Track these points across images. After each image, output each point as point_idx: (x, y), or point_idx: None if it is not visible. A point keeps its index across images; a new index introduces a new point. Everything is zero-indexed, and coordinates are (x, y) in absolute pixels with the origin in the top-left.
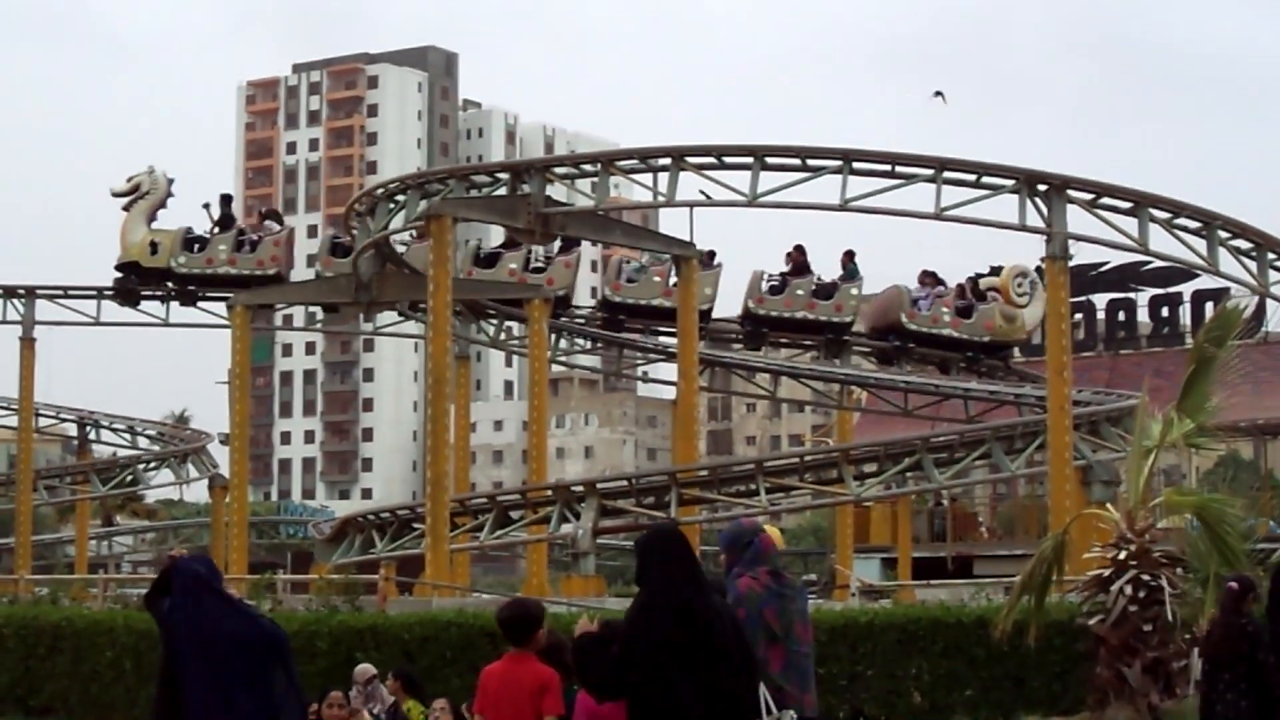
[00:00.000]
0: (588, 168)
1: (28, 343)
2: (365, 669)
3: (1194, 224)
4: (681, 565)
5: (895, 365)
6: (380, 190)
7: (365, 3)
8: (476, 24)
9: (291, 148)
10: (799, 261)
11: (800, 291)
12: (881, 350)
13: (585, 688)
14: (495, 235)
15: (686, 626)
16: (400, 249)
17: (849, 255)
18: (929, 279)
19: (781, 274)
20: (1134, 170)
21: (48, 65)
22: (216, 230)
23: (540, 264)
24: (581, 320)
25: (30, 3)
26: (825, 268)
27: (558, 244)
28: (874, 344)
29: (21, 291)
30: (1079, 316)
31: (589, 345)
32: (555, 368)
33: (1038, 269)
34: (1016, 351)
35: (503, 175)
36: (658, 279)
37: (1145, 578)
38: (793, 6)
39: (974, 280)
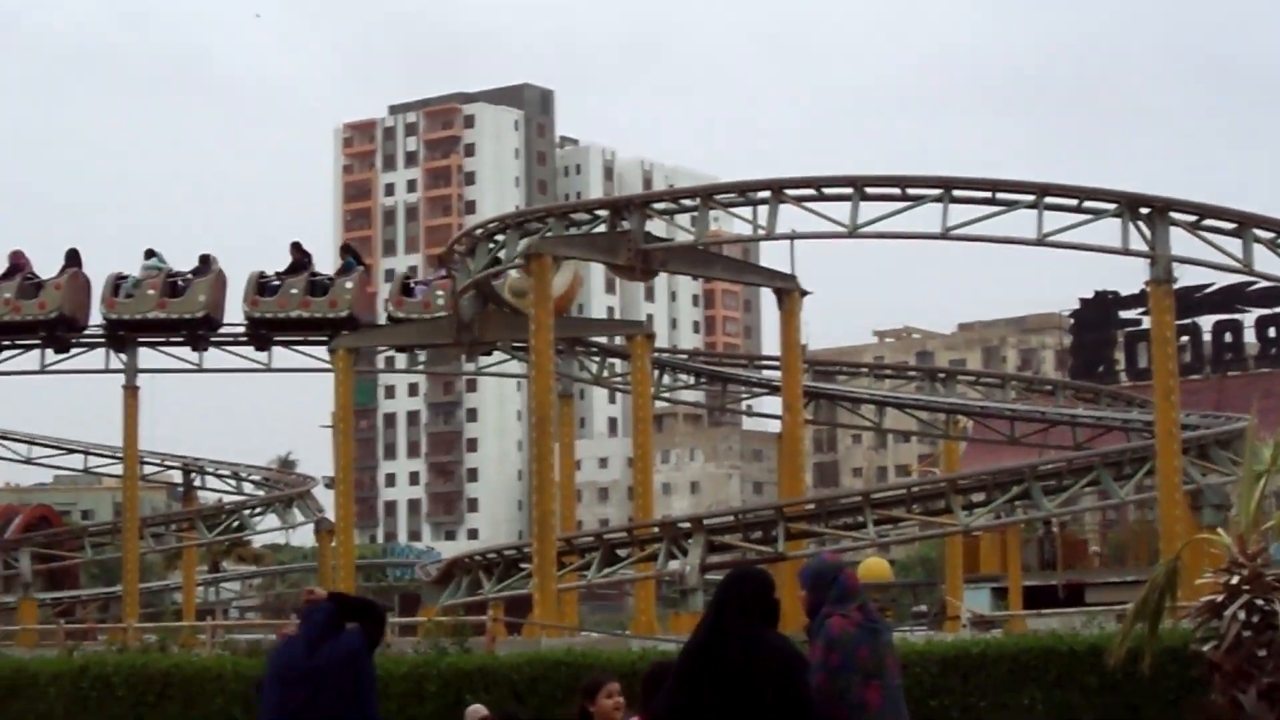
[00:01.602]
0: (687, 202)
1: (131, 390)
2: (476, 709)
3: None
4: (732, 608)
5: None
6: (480, 230)
7: (460, 43)
8: (571, 60)
9: (389, 189)
10: (297, 259)
11: (295, 290)
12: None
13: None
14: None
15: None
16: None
17: (345, 248)
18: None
19: (278, 273)
20: (1237, 193)
21: (170, 114)
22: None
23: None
24: (685, 356)
25: (153, 53)
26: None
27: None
28: None
29: (122, 339)
30: (1185, 339)
31: (693, 380)
32: (659, 403)
33: None
34: (1123, 377)
35: (601, 212)
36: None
37: (1259, 602)
38: (890, 37)
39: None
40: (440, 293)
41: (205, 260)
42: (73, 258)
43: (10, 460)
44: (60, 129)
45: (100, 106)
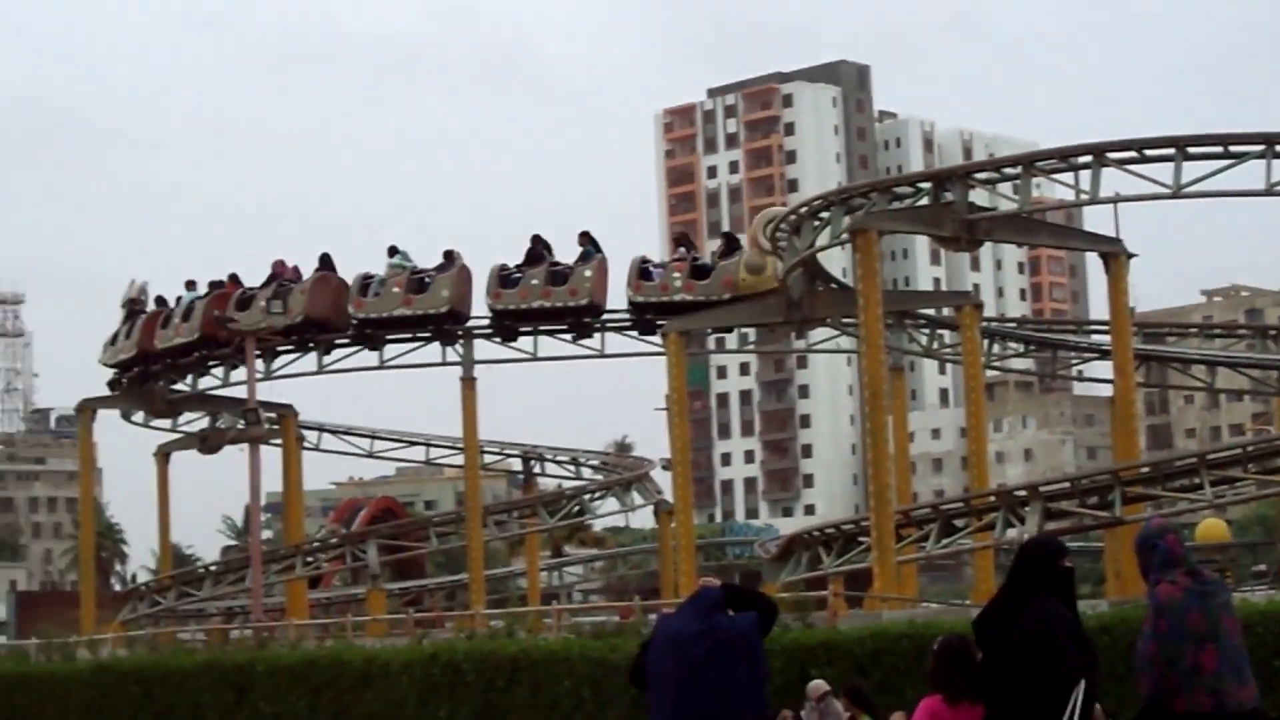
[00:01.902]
0: (1008, 171)
1: (469, 382)
2: (818, 685)
3: None
4: (1020, 577)
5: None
6: (804, 208)
7: (774, 23)
8: (886, 34)
9: (712, 172)
10: (534, 250)
11: (535, 281)
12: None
13: (945, 692)
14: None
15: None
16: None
17: (584, 235)
18: (683, 242)
19: (518, 265)
20: None
21: (492, 107)
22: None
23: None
24: (1013, 324)
25: (475, 49)
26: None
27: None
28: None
29: (460, 332)
30: None
31: (1022, 348)
32: (989, 372)
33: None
34: None
35: (924, 184)
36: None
37: None
38: None
39: (683, 234)
40: (676, 274)
41: (449, 256)
42: (325, 261)
43: (354, 455)
44: (387, 127)
45: (424, 103)
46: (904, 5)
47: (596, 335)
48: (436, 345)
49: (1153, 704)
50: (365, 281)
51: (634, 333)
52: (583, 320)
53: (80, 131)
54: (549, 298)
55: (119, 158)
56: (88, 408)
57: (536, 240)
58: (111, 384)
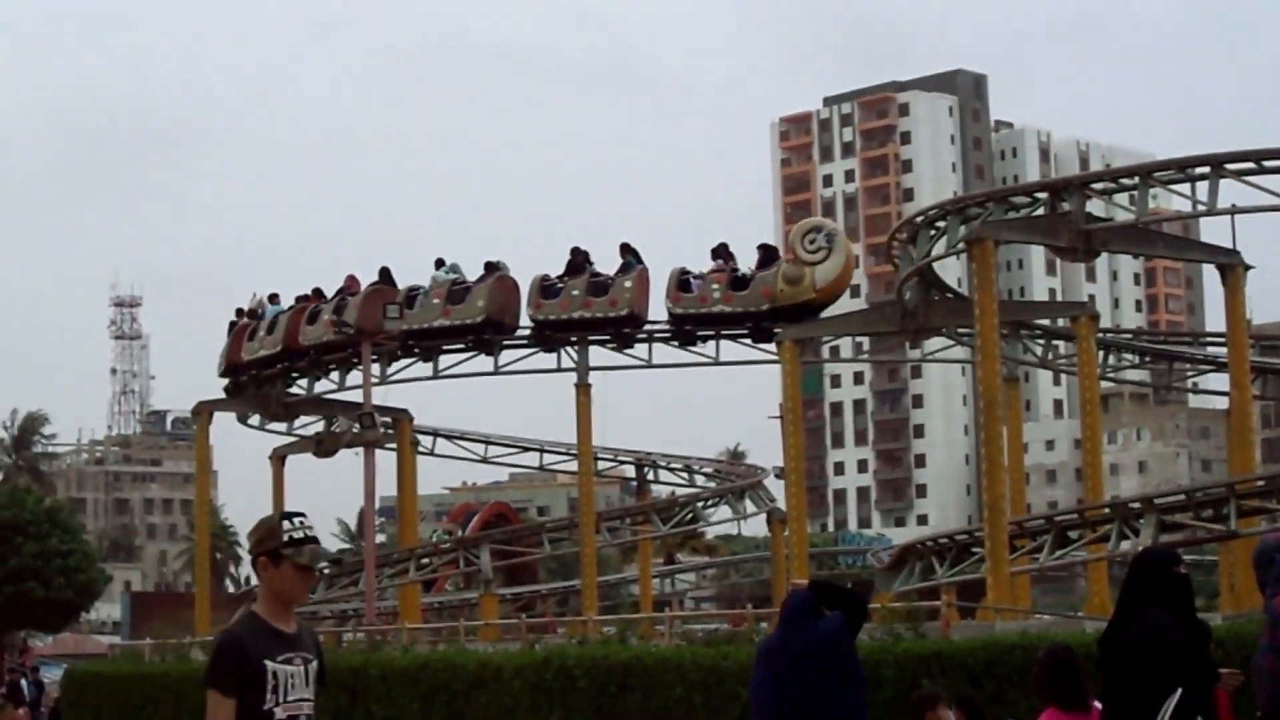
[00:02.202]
0: (1125, 181)
1: (583, 389)
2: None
3: None
4: (1131, 587)
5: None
6: (920, 218)
7: (890, 33)
8: (1002, 44)
9: (827, 180)
10: (575, 261)
11: (576, 291)
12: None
13: (1057, 702)
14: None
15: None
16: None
17: (624, 247)
18: (722, 253)
19: (559, 275)
20: None
21: (610, 113)
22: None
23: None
24: (1129, 335)
25: (593, 55)
26: None
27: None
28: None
29: (574, 339)
30: None
31: (1137, 360)
32: (1104, 383)
33: None
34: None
35: (1040, 195)
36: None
37: None
38: None
39: (722, 246)
40: (715, 286)
41: (490, 267)
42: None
43: (468, 460)
44: (505, 133)
45: (542, 110)
46: (1021, 14)
47: (710, 342)
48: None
49: (1270, 716)
50: (411, 294)
51: (749, 341)
52: (623, 330)
53: (198, 137)
54: (589, 308)
55: (238, 163)
56: (204, 410)
57: (576, 251)
58: (228, 388)
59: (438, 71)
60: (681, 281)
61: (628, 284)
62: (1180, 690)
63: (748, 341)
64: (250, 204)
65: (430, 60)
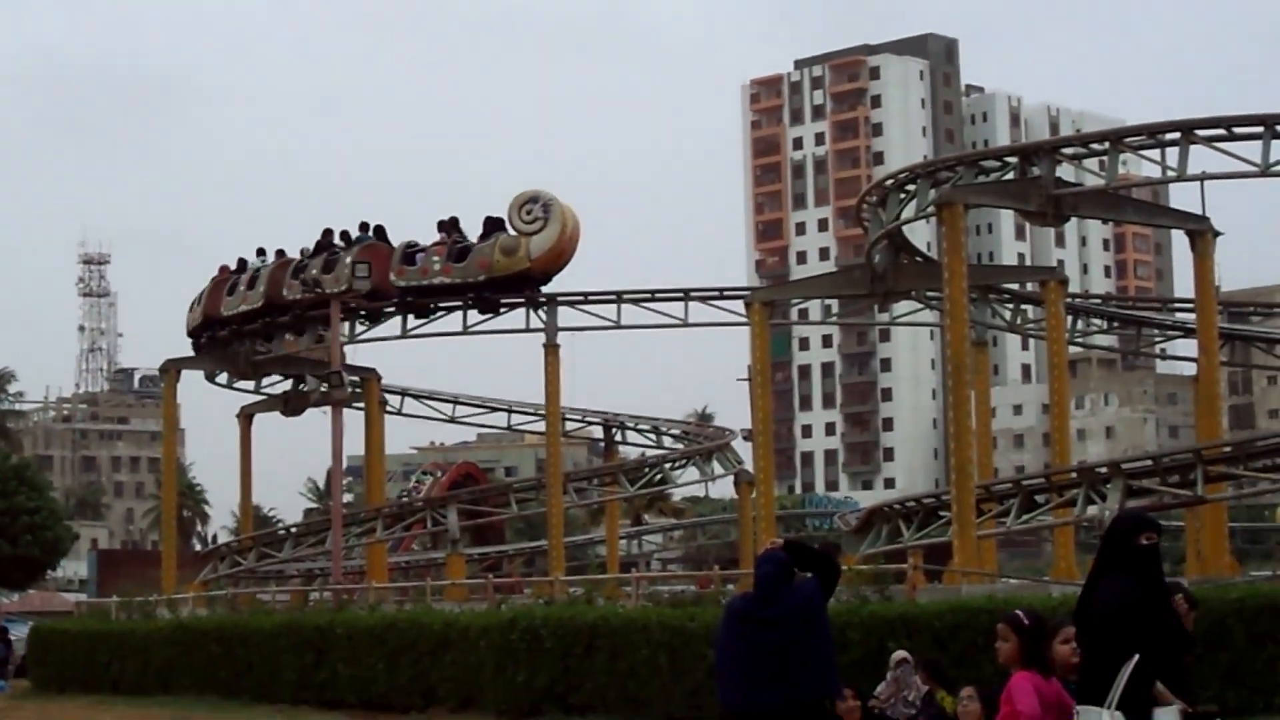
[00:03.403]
0: (1096, 146)
1: (552, 349)
2: (898, 654)
3: None
4: (1101, 552)
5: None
6: (890, 181)
7: None
8: (973, 8)
9: (798, 143)
10: (443, 228)
11: (436, 258)
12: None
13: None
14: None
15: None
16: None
17: (489, 219)
18: (446, 227)
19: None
20: None
21: (583, 74)
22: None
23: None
24: (1097, 301)
25: (571, 16)
26: None
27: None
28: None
29: (543, 300)
30: None
31: (1106, 325)
32: (1072, 348)
33: None
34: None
35: (1011, 159)
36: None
37: None
38: None
39: (452, 220)
40: (436, 258)
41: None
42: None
43: (436, 419)
44: (479, 92)
45: (516, 69)
46: None
47: (679, 304)
48: (521, 311)
49: None
50: (409, 250)
51: (719, 303)
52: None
53: (172, 92)
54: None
55: (213, 119)
56: (172, 368)
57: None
58: (197, 344)
59: (417, 28)
60: (406, 255)
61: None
62: (1136, 657)
63: (718, 303)
64: (224, 161)
65: (409, 17)
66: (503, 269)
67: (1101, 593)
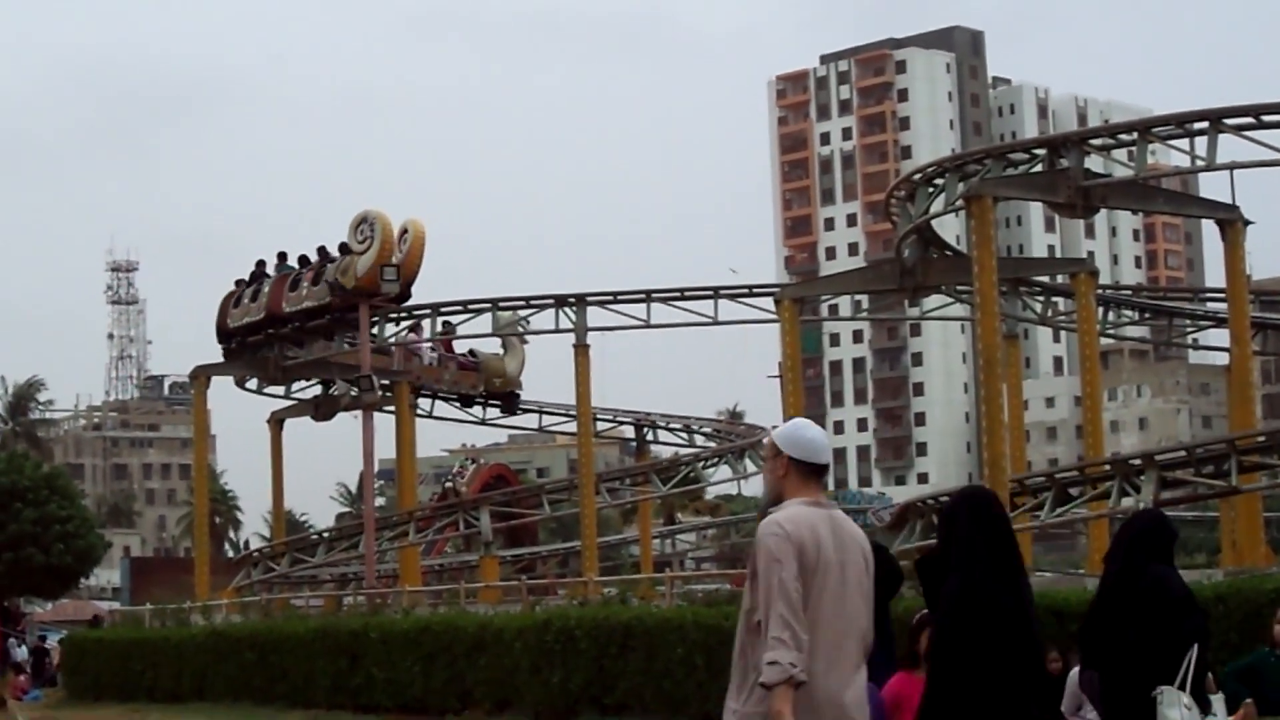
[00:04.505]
0: (1124, 137)
1: (582, 349)
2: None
3: None
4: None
5: None
6: (918, 175)
7: None
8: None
9: (825, 138)
10: (254, 272)
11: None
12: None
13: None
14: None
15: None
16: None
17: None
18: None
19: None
20: None
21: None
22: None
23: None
24: (1128, 292)
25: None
26: None
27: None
28: None
29: (572, 300)
30: None
31: (1137, 316)
32: (1104, 340)
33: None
34: None
35: (1039, 151)
36: None
37: None
38: None
39: (321, 248)
40: (305, 284)
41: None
42: None
43: (467, 422)
44: (510, 93)
45: (546, 69)
46: None
47: (709, 302)
48: (550, 312)
49: None
50: (296, 278)
51: (749, 300)
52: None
53: (202, 98)
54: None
55: (243, 124)
56: (202, 374)
57: (320, 250)
58: (225, 352)
59: (446, 30)
60: (293, 282)
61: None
62: (1197, 646)
63: (748, 301)
64: (253, 166)
65: (439, 19)
66: (342, 289)
67: (1163, 580)
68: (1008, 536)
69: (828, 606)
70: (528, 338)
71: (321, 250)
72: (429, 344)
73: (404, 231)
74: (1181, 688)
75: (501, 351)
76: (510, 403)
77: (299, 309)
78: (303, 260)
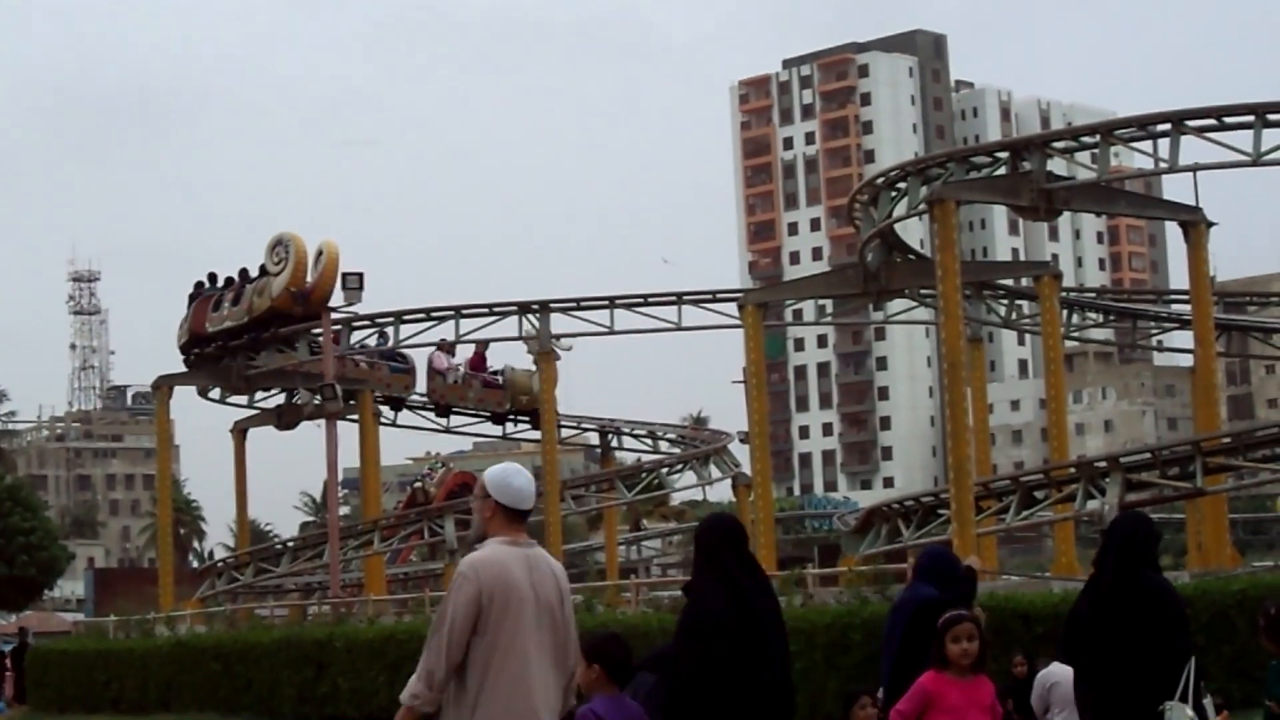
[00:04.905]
0: (1086, 139)
1: (545, 356)
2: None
3: None
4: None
5: None
6: (881, 179)
7: None
8: (960, 3)
9: (788, 143)
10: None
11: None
12: None
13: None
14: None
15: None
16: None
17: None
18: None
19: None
20: None
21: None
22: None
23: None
24: (1092, 294)
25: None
26: None
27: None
28: None
29: (536, 306)
30: None
31: (1101, 318)
32: (1069, 343)
33: None
34: None
35: (1002, 154)
36: None
37: None
38: None
39: (243, 270)
40: (227, 304)
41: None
42: None
43: (431, 430)
44: (476, 100)
45: (511, 75)
46: None
47: (673, 308)
48: (514, 319)
49: None
50: (219, 299)
51: (712, 306)
52: (253, 336)
53: (166, 108)
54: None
55: (205, 134)
56: (164, 384)
57: (242, 272)
58: (188, 361)
59: (405, 38)
60: (216, 303)
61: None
62: (1193, 658)
63: (712, 306)
64: (215, 174)
65: (404, 27)
66: (259, 309)
67: (1163, 590)
68: (739, 557)
69: (521, 634)
70: (561, 353)
71: (243, 271)
72: (454, 362)
73: (319, 253)
74: (1183, 699)
75: (534, 369)
76: (537, 419)
77: (220, 329)
78: (227, 280)
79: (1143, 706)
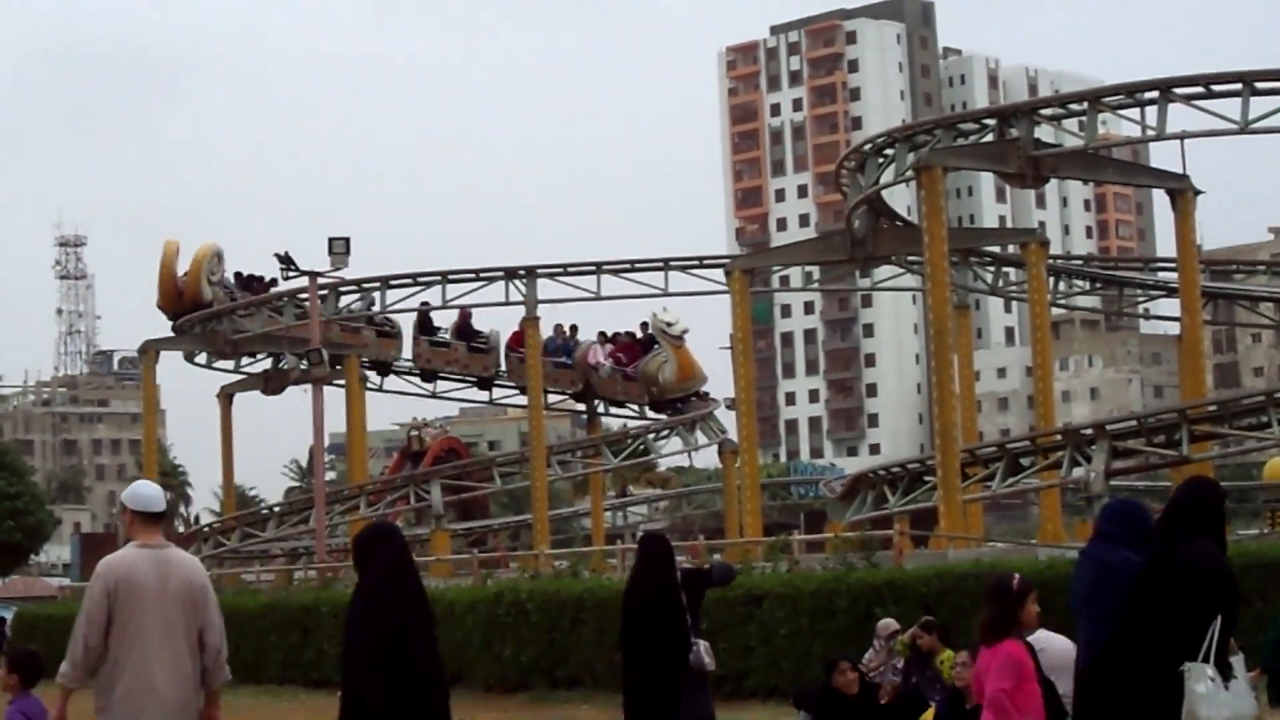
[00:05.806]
0: (1074, 107)
1: (532, 321)
2: (888, 624)
3: None
4: (1178, 518)
5: None
6: (868, 145)
7: None
8: None
9: (775, 109)
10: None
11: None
12: None
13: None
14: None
15: None
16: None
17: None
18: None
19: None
20: None
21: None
22: None
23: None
24: (1079, 262)
25: None
26: None
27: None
28: None
29: (522, 272)
30: None
31: (1088, 286)
32: (1055, 310)
33: None
34: None
35: (989, 121)
36: None
37: None
38: None
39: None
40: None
41: None
42: None
43: (418, 395)
44: (467, 66)
45: (504, 41)
46: None
47: (659, 274)
48: (501, 284)
49: None
50: None
51: (699, 272)
52: None
53: (161, 68)
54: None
55: (201, 97)
56: (151, 349)
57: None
58: (174, 326)
59: (400, 5)
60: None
61: None
62: (1220, 618)
63: (698, 272)
64: (203, 139)
65: None
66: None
67: (1205, 554)
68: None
69: (148, 622)
70: (682, 339)
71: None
72: (606, 359)
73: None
74: (1205, 659)
75: (663, 358)
76: (670, 408)
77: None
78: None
79: (1166, 669)
